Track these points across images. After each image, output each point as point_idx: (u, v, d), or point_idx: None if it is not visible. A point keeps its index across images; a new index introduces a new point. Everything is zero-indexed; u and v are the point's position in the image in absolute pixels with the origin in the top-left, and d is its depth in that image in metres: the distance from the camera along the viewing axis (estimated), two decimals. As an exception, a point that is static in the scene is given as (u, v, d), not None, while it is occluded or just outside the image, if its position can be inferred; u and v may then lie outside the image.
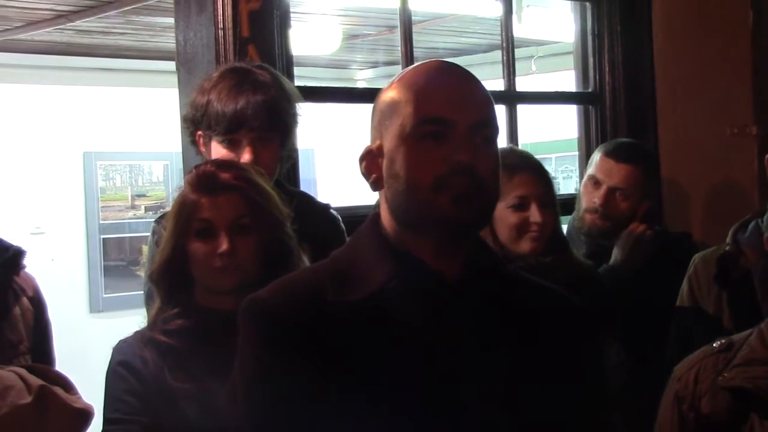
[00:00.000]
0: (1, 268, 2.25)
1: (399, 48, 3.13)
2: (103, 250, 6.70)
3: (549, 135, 6.01)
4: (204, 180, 1.96)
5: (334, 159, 7.15)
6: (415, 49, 3.13)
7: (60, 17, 5.15)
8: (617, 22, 3.61)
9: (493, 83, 3.07)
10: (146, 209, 6.90)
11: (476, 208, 1.40)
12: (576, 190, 3.13)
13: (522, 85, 3.55)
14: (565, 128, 4.56)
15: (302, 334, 1.38)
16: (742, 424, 1.83)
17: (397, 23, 3.15)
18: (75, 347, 4.73)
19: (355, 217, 2.04)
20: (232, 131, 2.22)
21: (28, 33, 5.46)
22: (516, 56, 3.45)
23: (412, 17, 3.16)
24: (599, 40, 3.63)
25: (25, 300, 2.30)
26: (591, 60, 3.64)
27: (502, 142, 1.69)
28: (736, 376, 1.85)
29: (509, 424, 1.39)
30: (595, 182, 2.88)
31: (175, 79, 2.72)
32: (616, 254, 2.82)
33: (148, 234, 2.42)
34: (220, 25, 2.59)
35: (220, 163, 2.05)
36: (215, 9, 2.59)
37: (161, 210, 5.23)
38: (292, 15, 2.80)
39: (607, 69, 3.62)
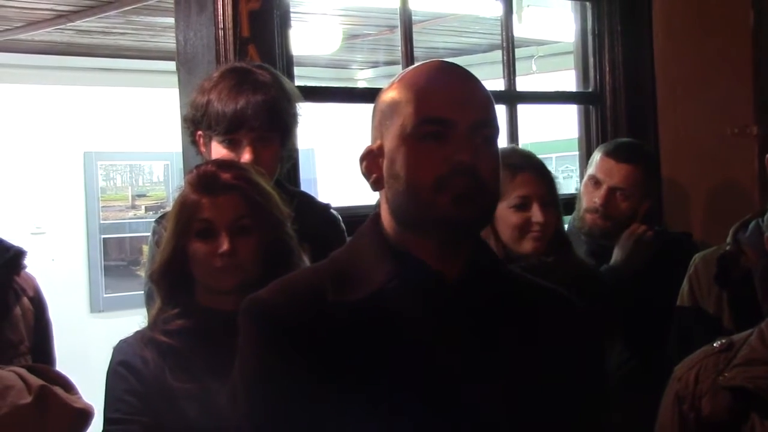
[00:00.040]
0: (2, 268, 2.25)
1: (399, 48, 3.13)
2: (104, 250, 6.70)
3: (549, 135, 6.01)
4: (204, 180, 1.96)
5: (335, 159, 7.15)
6: (415, 49, 3.13)
7: (60, 17, 5.15)
8: (617, 22, 3.61)
9: (494, 83, 3.07)
10: (147, 209, 6.91)
11: (477, 208, 1.40)
12: (576, 190, 3.13)
13: (522, 84, 3.55)
14: (565, 128, 4.56)
15: (302, 334, 1.38)
16: (743, 424, 1.83)
17: (398, 23, 3.15)
18: (75, 347, 4.74)
19: (355, 217, 2.04)
20: (232, 131, 2.22)
21: (29, 33, 5.46)
22: (516, 56, 3.45)
23: (413, 17, 3.16)
24: (599, 39, 3.63)
25: (25, 300, 2.30)
26: (591, 60, 3.64)
27: (502, 142, 1.69)
28: (737, 375, 1.85)
29: (509, 424, 1.39)
30: (595, 182, 2.88)
31: (175, 79, 2.72)
32: (616, 255, 2.82)
33: (149, 234, 2.42)
34: (221, 25, 2.60)
35: (221, 163, 2.05)
36: (215, 9, 2.59)
37: (162, 210, 5.22)
38: (292, 15, 2.80)
39: (607, 69, 3.62)
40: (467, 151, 1.39)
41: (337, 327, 1.38)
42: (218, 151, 2.24)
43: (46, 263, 5.98)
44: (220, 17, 2.59)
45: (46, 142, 6.42)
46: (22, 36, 5.52)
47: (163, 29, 5.35)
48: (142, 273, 4.99)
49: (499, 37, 3.47)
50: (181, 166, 2.75)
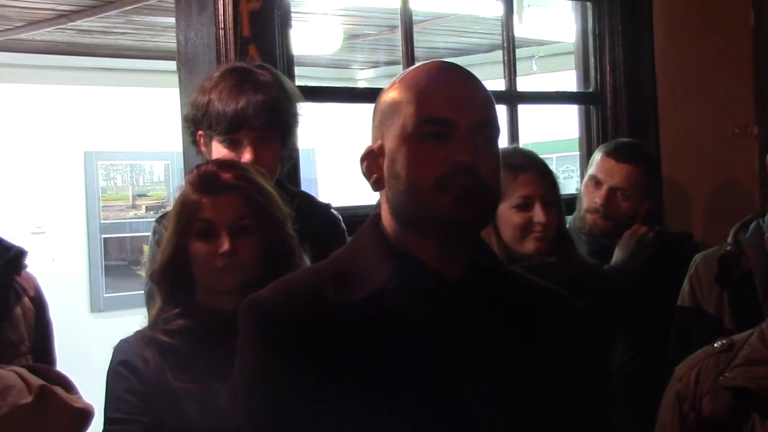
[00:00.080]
0: (3, 268, 2.25)
1: (400, 48, 3.13)
2: (104, 249, 6.70)
3: (550, 135, 6.01)
4: (205, 180, 1.96)
5: (335, 159, 7.15)
6: (416, 49, 3.13)
7: (61, 17, 5.15)
8: (618, 22, 3.61)
9: (494, 83, 3.07)
10: (147, 209, 6.91)
11: (477, 208, 1.40)
12: (577, 190, 3.13)
13: (523, 85, 3.55)
14: (566, 128, 4.56)
15: (303, 334, 1.38)
16: (743, 424, 1.83)
17: (398, 23, 3.15)
18: (76, 347, 4.73)
19: (355, 217, 2.04)
20: (232, 131, 2.22)
21: (29, 33, 5.46)
22: (517, 56, 3.45)
23: (413, 17, 3.16)
24: (600, 39, 3.63)
25: (26, 300, 2.30)
26: (592, 60, 3.64)
27: (503, 142, 1.69)
28: (738, 376, 1.85)
29: (509, 423, 1.40)
30: (596, 182, 2.88)
31: (175, 78, 2.72)
32: (617, 255, 2.82)
33: (149, 234, 2.41)
34: (221, 25, 2.60)
35: (221, 163, 2.05)
36: (216, 9, 2.59)
37: (162, 210, 5.23)
38: (292, 15, 2.80)
39: (608, 69, 3.62)
40: (468, 151, 1.39)
41: (338, 327, 1.39)
42: (219, 150, 2.24)
43: (47, 263, 5.98)
44: (221, 17, 2.59)
45: (47, 141, 6.42)
46: (23, 35, 5.52)
47: (163, 29, 5.35)
48: (142, 273, 4.99)
49: (500, 37, 3.47)
50: (182, 166, 2.75)
